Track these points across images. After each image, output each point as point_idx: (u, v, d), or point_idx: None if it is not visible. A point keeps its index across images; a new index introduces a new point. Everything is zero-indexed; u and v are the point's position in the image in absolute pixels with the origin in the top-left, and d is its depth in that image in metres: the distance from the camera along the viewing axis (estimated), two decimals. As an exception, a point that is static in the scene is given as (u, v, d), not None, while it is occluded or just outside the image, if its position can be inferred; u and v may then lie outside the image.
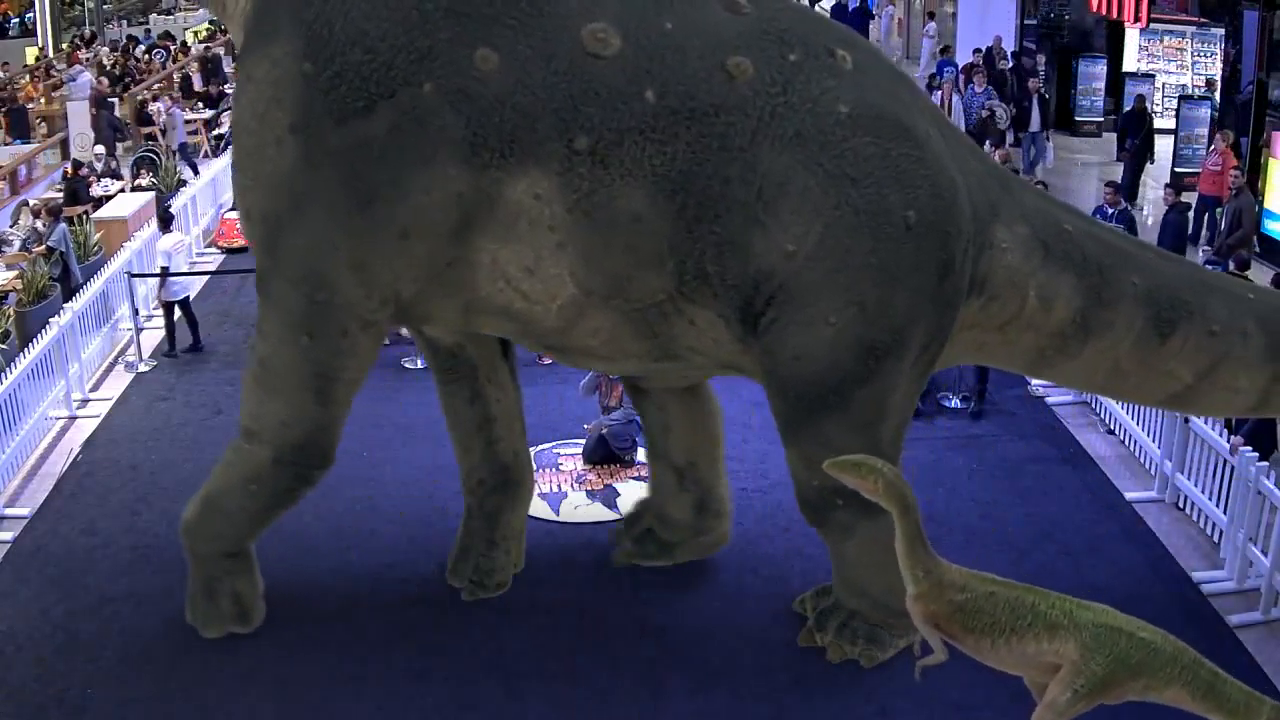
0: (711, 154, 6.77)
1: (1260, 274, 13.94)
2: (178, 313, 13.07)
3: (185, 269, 14.39)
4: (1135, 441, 10.65)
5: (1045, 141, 19.63)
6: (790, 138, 6.80)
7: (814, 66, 6.93)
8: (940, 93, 20.16)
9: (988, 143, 17.40)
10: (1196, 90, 19.83)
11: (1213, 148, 16.17)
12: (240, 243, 15.91)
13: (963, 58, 23.45)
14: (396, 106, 6.73)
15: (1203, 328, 7.64)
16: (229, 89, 23.58)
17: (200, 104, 23.05)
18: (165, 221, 13.76)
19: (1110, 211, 13.40)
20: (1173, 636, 6.12)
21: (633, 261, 6.92)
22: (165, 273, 12.93)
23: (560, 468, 10.45)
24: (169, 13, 37.26)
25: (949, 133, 7.55)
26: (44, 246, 14.30)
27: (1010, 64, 21.60)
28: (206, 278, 15.33)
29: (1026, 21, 24.26)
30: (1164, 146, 18.64)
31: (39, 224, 15.43)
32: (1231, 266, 11.49)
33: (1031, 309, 7.50)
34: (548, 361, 12.53)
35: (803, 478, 7.47)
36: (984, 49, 21.81)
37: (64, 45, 29.67)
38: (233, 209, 16.97)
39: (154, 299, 13.72)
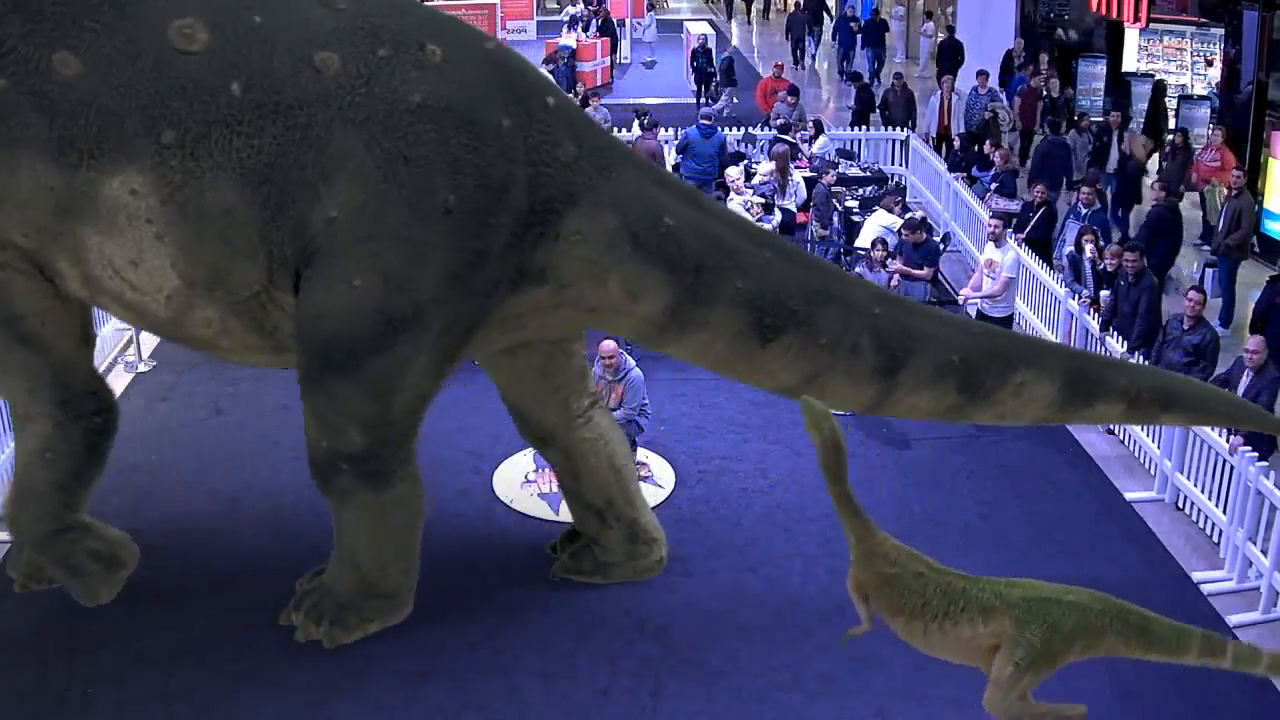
0: (295, 146, 6.88)
1: (1260, 273, 13.95)
2: None
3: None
4: (1135, 441, 10.65)
5: None
6: (360, 121, 6.91)
7: (401, 60, 7.02)
8: (940, 92, 20.17)
9: (987, 142, 17.40)
10: (1196, 89, 19.84)
11: (1207, 144, 16.20)
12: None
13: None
14: None
15: (810, 338, 7.59)
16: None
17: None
18: None
19: (1084, 211, 13.41)
20: (1098, 592, 6.25)
21: (228, 252, 7.03)
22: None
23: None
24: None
25: (543, 117, 7.36)
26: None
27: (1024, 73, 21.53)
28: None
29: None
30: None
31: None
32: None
33: (617, 298, 7.50)
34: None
35: (312, 435, 7.60)
36: (1005, 53, 21.95)
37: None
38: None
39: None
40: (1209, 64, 19.96)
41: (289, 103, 6.86)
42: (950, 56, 24.14)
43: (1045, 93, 19.38)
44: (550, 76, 20.77)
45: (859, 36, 27.48)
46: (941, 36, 26.44)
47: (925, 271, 12.41)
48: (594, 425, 8.55)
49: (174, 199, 6.88)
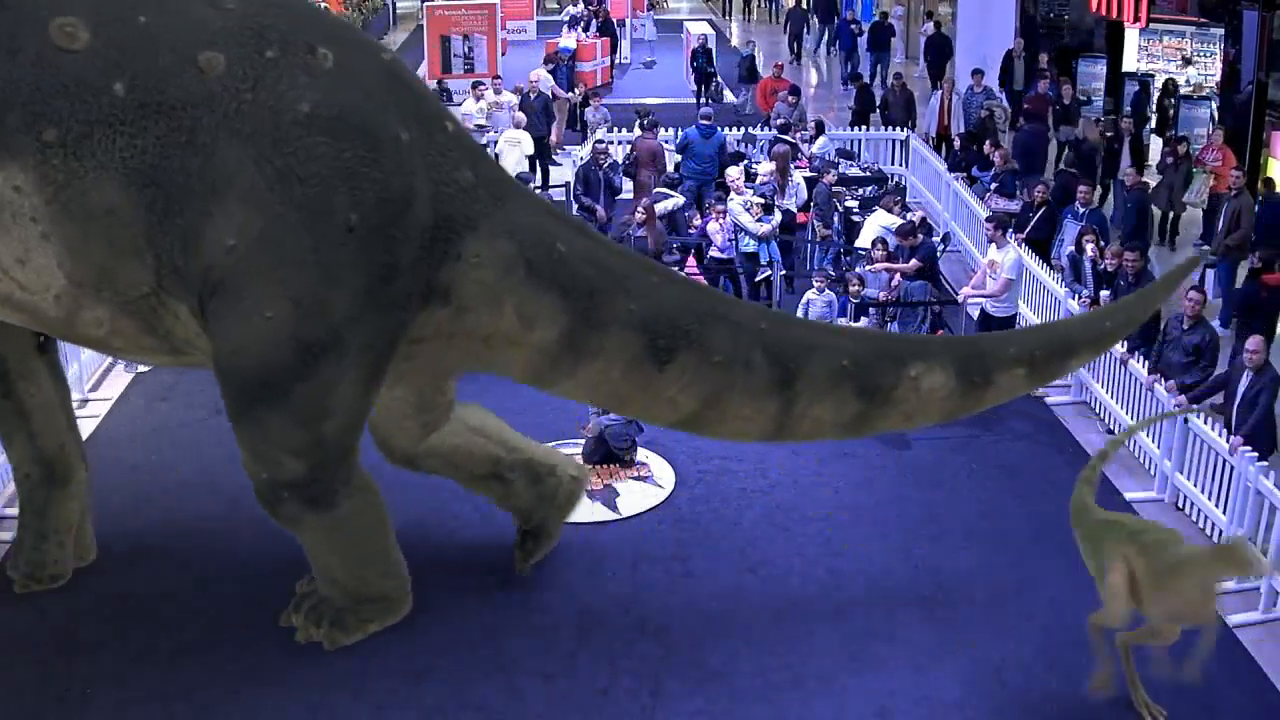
0: (179, 148, 6.78)
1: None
2: None
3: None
4: (1135, 441, 10.65)
5: None
6: (248, 134, 6.79)
7: (289, 64, 6.88)
8: (940, 93, 20.17)
9: (987, 142, 17.40)
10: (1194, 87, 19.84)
11: (1208, 144, 16.20)
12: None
13: (962, 58, 23.47)
14: None
15: (704, 357, 7.56)
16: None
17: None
18: None
19: (1082, 211, 13.41)
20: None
21: (113, 253, 6.95)
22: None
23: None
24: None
25: (442, 140, 7.36)
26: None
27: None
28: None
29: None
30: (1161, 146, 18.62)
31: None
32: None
33: (511, 325, 7.46)
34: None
35: (251, 469, 7.59)
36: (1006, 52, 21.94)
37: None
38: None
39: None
40: (1187, 61, 19.97)
41: (172, 103, 6.73)
42: (938, 52, 24.15)
43: (1058, 99, 19.06)
44: (551, 77, 20.82)
45: (861, 39, 27.29)
46: (930, 32, 26.40)
47: (910, 264, 12.36)
48: (452, 428, 8.57)
49: (58, 198, 6.78)
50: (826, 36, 31.11)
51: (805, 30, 31.71)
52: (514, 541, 8.93)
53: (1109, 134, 17.06)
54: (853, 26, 27.53)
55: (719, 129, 16.48)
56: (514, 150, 16.88)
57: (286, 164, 6.82)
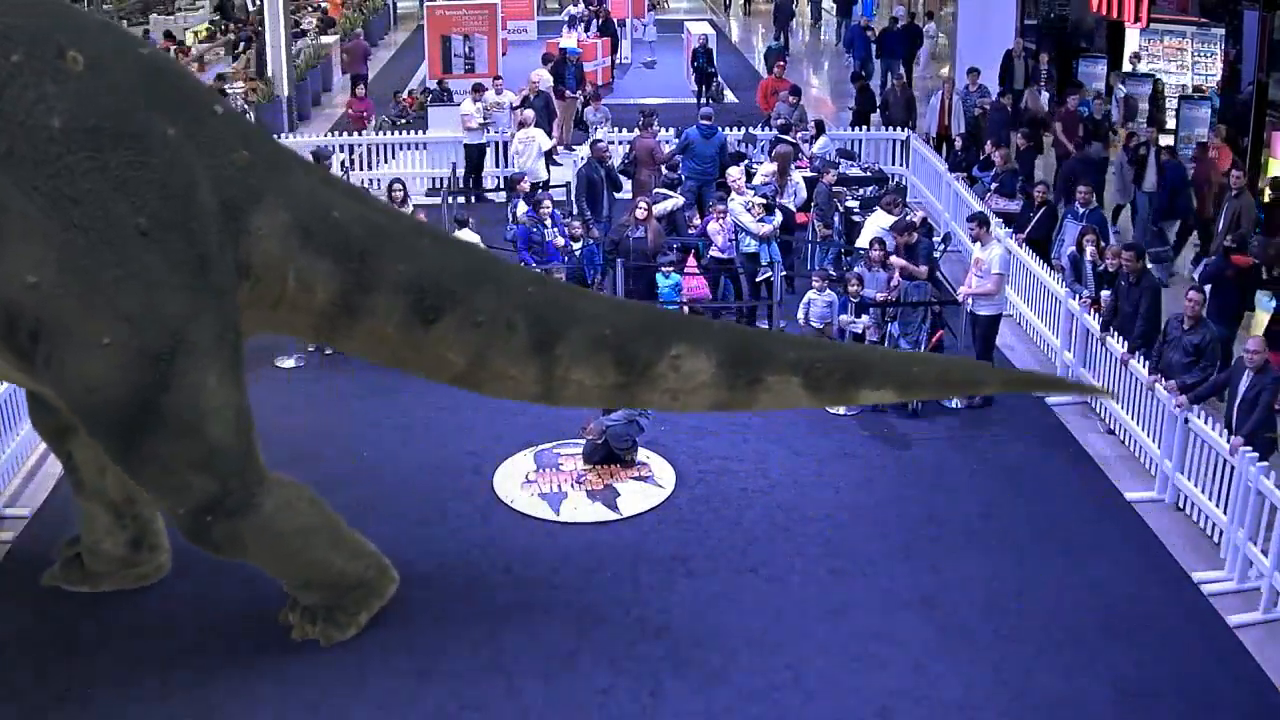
0: None
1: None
2: None
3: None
4: (1135, 441, 10.65)
5: None
6: (3, 156, 6.55)
7: (36, 69, 6.56)
8: (940, 92, 20.17)
9: (988, 143, 17.38)
10: (1197, 91, 19.84)
11: (1207, 143, 16.18)
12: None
13: (962, 58, 23.43)
14: None
15: (468, 317, 7.71)
16: (229, 88, 23.57)
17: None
18: None
19: (1082, 211, 13.41)
20: None
21: None
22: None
23: (560, 468, 10.45)
24: (170, 13, 37.23)
25: (212, 125, 7.25)
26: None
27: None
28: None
29: (1027, 22, 24.25)
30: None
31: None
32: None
33: (293, 292, 7.54)
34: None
35: (164, 508, 7.58)
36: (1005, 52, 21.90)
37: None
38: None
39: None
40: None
41: None
42: (908, 44, 24.16)
43: (1090, 114, 18.65)
44: (551, 77, 20.81)
45: (875, 45, 26.89)
46: (902, 23, 26.31)
47: (922, 269, 12.34)
48: None
49: None
50: (845, 34, 31.29)
51: (793, 21, 32.41)
52: (63, 557, 8.76)
53: (1136, 146, 16.77)
54: (867, 32, 27.24)
55: (720, 129, 16.47)
56: (530, 146, 16.93)
57: (54, 187, 6.57)
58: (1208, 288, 11.60)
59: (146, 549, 8.69)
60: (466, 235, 13.32)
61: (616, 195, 15.48)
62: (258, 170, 7.40)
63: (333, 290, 7.56)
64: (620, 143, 17.73)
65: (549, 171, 17.55)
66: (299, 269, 7.48)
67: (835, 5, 33.14)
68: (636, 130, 16.84)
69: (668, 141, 17.09)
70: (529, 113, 17.76)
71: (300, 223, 7.45)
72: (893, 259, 12.21)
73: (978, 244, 11.84)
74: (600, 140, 16.16)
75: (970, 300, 11.73)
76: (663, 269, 12.98)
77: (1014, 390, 10.10)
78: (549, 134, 18.22)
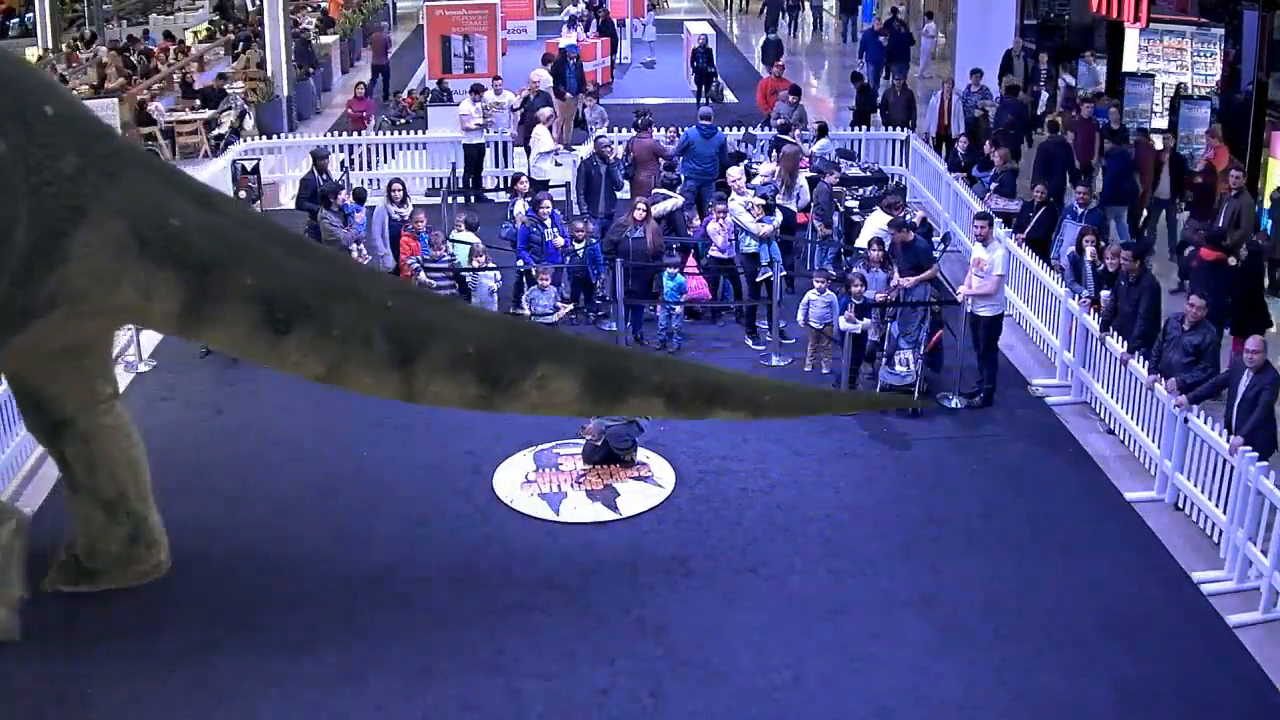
0: None
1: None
2: None
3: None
4: (1135, 441, 10.65)
5: None
6: None
7: None
8: (940, 92, 20.16)
9: (987, 142, 17.38)
10: (1197, 90, 19.83)
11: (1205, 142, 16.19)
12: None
13: (962, 58, 23.43)
14: None
15: (323, 331, 7.66)
16: (229, 88, 23.58)
17: (199, 103, 23.02)
18: None
19: (1081, 211, 13.40)
20: None
21: None
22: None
23: (560, 468, 10.45)
24: (170, 13, 37.24)
25: (42, 130, 7.05)
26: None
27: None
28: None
29: (1027, 22, 24.25)
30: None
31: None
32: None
33: (131, 299, 7.48)
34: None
35: None
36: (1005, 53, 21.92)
37: (64, 45, 29.62)
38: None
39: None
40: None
41: None
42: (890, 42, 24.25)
43: (1107, 125, 18.39)
44: (551, 77, 20.80)
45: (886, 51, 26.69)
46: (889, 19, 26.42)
47: (928, 274, 12.28)
48: (116, 415, 8.53)
49: None
50: (850, 31, 31.46)
51: (781, 14, 33.44)
52: (59, 558, 8.73)
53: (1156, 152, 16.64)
54: (880, 38, 26.99)
55: (719, 129, 16.46)
56: (537, 146, 16.94)
57: None
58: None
59: (144, 545, 8.69)
60: (467, 235, 13.34)
61: (617, 194, 15.47)
62: (88, 178, 7.21)
63: (177, 300, 7.48)
64: (619, 142, 17.70)
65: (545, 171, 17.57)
66: (136, 279, 7.39)
67: (837, 3, 33.18)
68: (633, 130, 16.81)
69: (668, 142, 17.08)
70: (546, 110, 17.78)
71: (136, 231, 7.31)
72: (902, 280, 12.09)
73: (980, 243, 11.82)
74: (603, 136, 16.15)
75: (971, 301, 11.73)
76: (669, 269, 13.02)
77: (862, 410, 10.57)
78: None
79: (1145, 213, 15.71)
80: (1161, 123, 19.29)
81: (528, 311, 12.45)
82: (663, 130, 17.41)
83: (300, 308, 7.60)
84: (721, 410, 8.70)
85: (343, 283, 7.87)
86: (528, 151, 18.45)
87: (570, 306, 13.18)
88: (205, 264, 7.45)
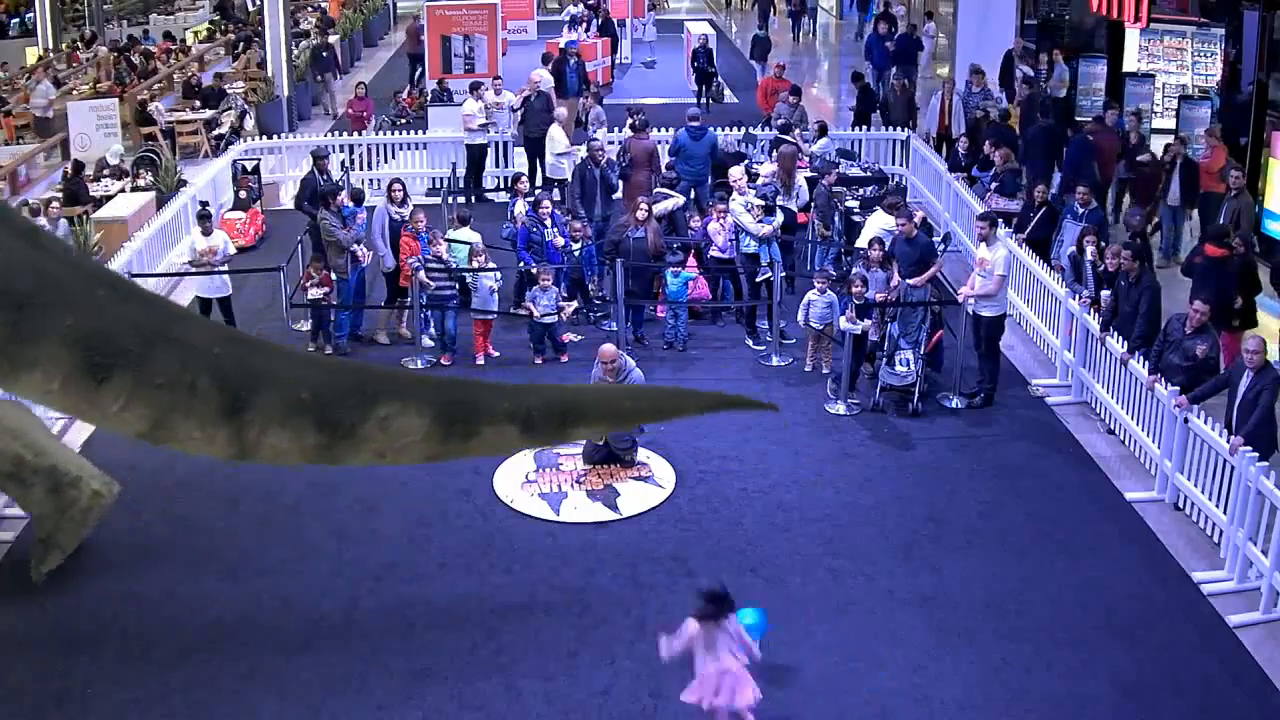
0: None
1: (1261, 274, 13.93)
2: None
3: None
4: (1135, 441, 10.65)
5: None
6: None
7: None
8: (940, 93, 20.15)
9: (987, 143, 17.37)
10: (1197, 91, 19.83)
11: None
12: (241, 242, 15.91)
13: (962, 58, 23.39)
14: None
15: (146, 378, 7.23)
16: (229, 88, 23.59)
17: (199, 104, 23.04)
18: (205, 219, 13.53)
19: (1081, 211, 13.40)
20: None
21: None
22: (182, 272, 12.87)
23: (560, 468, 10.45)
24: (170, 13, 37.25)
25: None
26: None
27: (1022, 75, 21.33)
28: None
29: (1027, 22, 24.22)
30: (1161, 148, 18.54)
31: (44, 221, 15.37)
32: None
33: None
34: (539, 361, 12.56)
35: None
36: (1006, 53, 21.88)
37: (64, 45, 29.63)
38: (233, 209, 16.97)
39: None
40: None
41: None
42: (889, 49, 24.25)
43: (1124, 133, 18.06)
44: (551, 78, 20.78)
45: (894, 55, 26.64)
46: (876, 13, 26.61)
47: (927, 274, 12.27)
48: None
49: None
50: (865, 40, 31.44)
51: (772, 10, 34.21)
52: (31, 546, 8.81)
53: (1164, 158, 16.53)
54: (886, 43, 26.94)
55: (709, 128, 16.47)
56: (552, 146, 16.95)
57: None
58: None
59: (67, 488, 8.69)
60: (467, 234, 13.33)
61: (612, 196, 15.47)
62: None
63: None
64: (614, 142, 17.69)
65: (540, 173, 17.58)
66: None
67: (837, 3, 33.26)
68: (628, 131, 16.79)
69: (663, 142, 17.09)
70: (562, 111, 17.76)
71: None
72: (911, 280, 12.06)
73: (982, 244, 11.83)
74: (596, 139, 16.14)
75: (973, 301, 11.73)
76: (671, 268, 13.03)
77: (721, 410, 9.87)
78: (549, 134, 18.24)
79: (1157, 219, 15.62)
80: (1168, 123, 19.27)
81: (535, 312, 12.44)
82: (662, 131, 17.42)
83: (120, 353, 7.13)
84: (581, 428, 8.25)
85: (169, 329, 7.38)
86: (528, 152, 18.46)
87: (575, 304, 13.16)
88: (20, 303, 7.03)
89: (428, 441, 7.66)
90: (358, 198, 13.66)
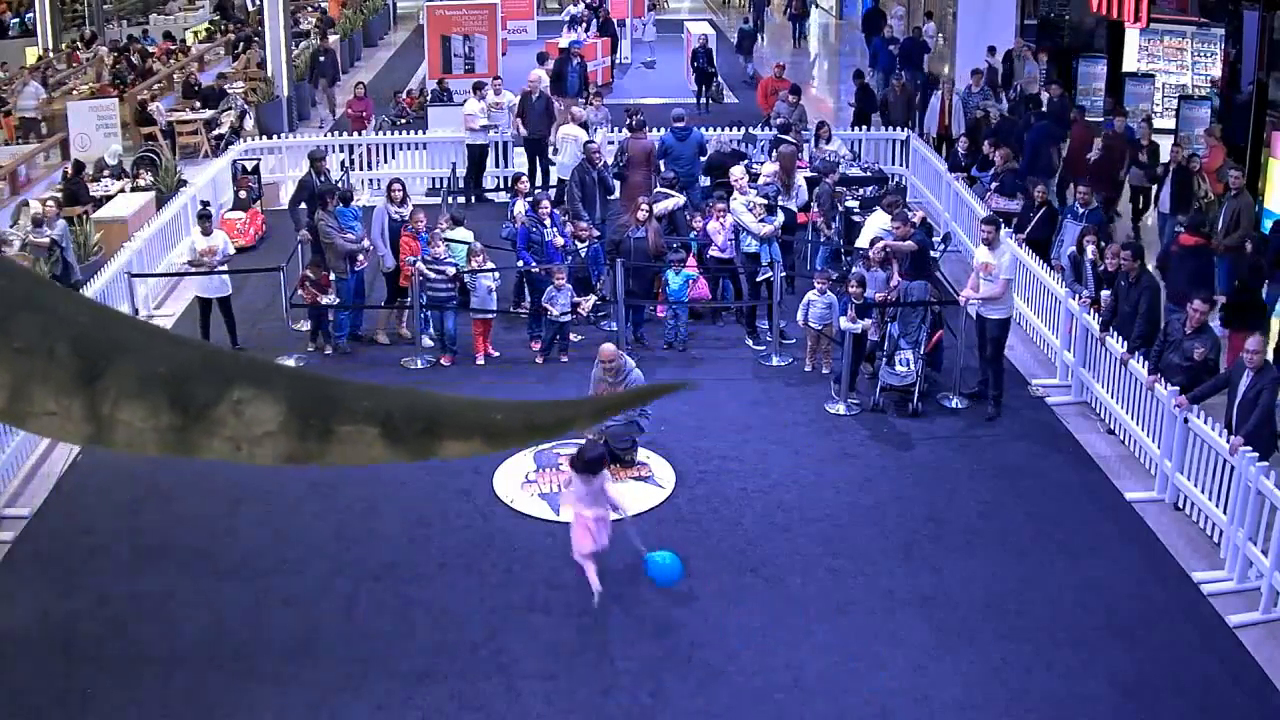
0: None
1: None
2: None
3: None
4: (1135, 441, 10.65)
5: None
6: None
7: None
8: (940, 92, 20.15)
9: (987, 143, 17.36)
10: (1197, 90, 19.84)
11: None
12: (241, 243, 15.90)
13: (962, 58, 23.39)
14: None
15: (5, 343, 7.32)
16: (229, 88, 23.58)
17: (199, 104, 23.03)
18: (205, 219, 13.52)
19: (1081, 211, 13.41)
20: None
21: None
22: (182, 272, 12.86)
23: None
24: (169, 13, 37.23)
25: None
26: (46, 239, 14.17)
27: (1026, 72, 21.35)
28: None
29: (1026, 22, 24.22)
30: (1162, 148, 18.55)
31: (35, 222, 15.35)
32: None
33: None
34: (539, 361, 12.56)
35: None
36: (1005, 51, 21.89)
37: (64, 45, 29.61)
38: (233, 209, 16.97)
39: (152, 302, 13.65)
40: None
41: None
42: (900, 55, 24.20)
43: (1137, 140, 17.78)
44: (547, 79, 20.78)
45: (899, 58, 26.52)
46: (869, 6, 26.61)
47: (907, 244, 12.20)
48: None
49: None
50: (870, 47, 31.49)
51: (766, 7, 34.72)
52: None
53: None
54: (890, 46, 26.87)
55: (694, 128, 16.47)
56: (572, 145, 16.89)
57: None
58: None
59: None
60: (461, 234, 13.32)
61: (609, 197, 15.46)
62: None
63: None
64: (610, 142, 17.68)
65: (539, 173, 17.55)
66: None
67: (862, 21, 33.02)
68: (626, 131, 16.77)
69: (662, 141, 17.07)
70: (577, 110, 17.74)
71: None
72: (886, 242, 12.11)
73: (985, 247, 11.82)
74: (592, 142, 16.13)
75: (976, 304, 11.71)
76: (673, 267, 13.03)
77: (608, 414, 9.79)
78: (550, 134, 18.24)
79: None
80: (1168, 123, 19.28)
81: (554, 311, 12.41)
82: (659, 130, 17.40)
83: None
84: (450, 441, 8.16)
85: (32, 294, 7.52)
86: (528, 152, 18.44)
87: (593, 299, 13.09)
88: None
89: (284, 434, 7.64)
90: (346, 199, 13.54)
